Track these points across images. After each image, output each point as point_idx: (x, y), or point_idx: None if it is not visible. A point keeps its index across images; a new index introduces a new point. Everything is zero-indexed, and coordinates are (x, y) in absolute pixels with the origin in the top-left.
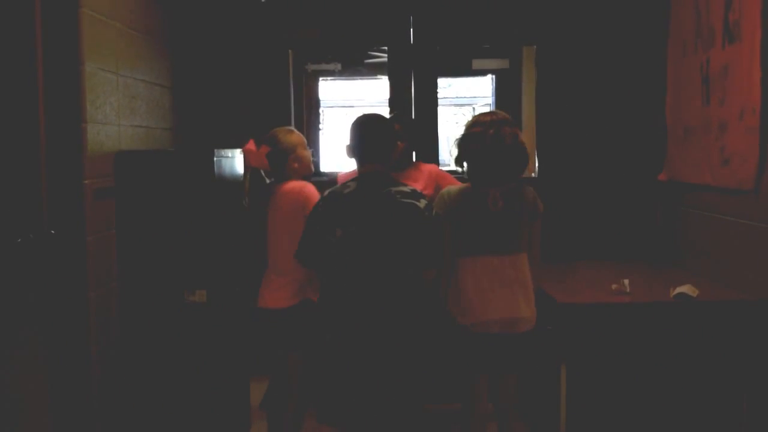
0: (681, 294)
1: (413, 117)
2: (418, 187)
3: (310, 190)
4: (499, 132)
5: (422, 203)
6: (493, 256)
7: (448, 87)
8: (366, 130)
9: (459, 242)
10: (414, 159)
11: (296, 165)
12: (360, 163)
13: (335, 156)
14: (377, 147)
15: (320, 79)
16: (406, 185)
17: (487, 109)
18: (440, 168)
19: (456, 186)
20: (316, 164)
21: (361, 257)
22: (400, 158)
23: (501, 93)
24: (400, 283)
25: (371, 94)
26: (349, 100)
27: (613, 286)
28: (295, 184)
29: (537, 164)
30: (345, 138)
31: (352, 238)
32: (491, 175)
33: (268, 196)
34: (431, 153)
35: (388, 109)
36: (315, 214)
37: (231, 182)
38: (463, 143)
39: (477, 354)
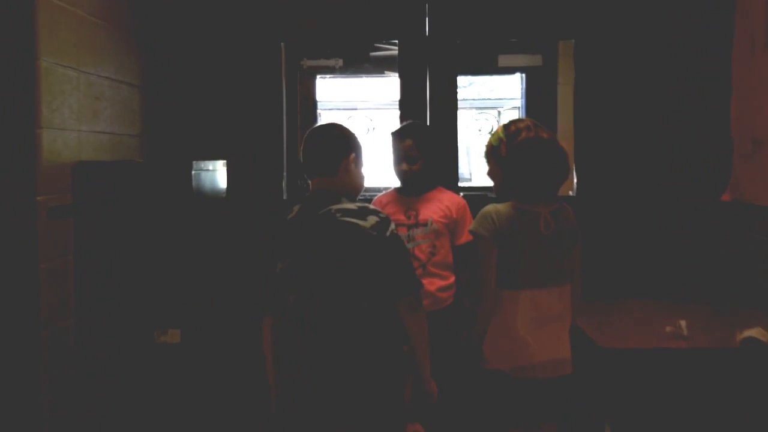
0: (749, 338)
1: (428, 122)
2: (435, 215)
3: None
4: (553, 139)
5: (369, 221)
6: (543, 289)
7: (468, 87)
8: (308, 140)
9: (504, 271)
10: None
11: None
12: (309, 179)
13: None
14: (317, 158)
15: (318, 76)
16: (353, 202)
17: (515, 114)
18: (458, 192)
19: (501, 204)
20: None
21: (302, 293)
22: (414, 179)
23: (532, 95)
24: (351, 322)
25: (378, 95)
26: (351, 102)
27: (668, 329)
28: None
29: (575, 180)
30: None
31: (290, 272)
32: (543, 191)
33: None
34: (448, 166)
35: (398, 113)
36: (265, 248)
37: (212, 200)
38: (513, 152)
39: (515, 403)
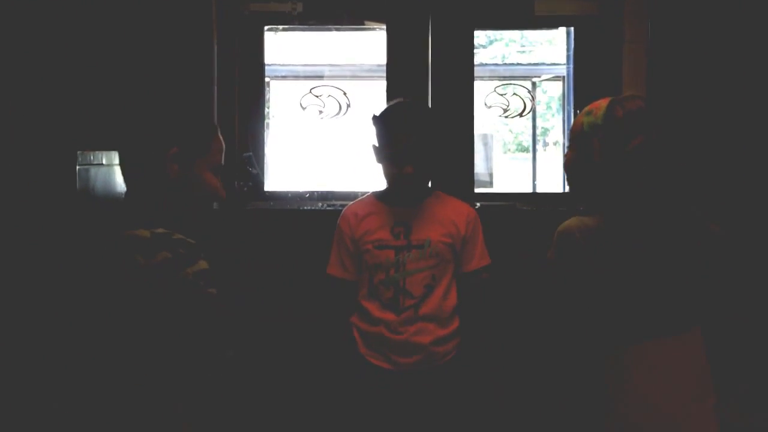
0: None
1: (430, 99)
2: (435, 233)
3: None
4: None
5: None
6: (663, 338)
7: (488, 46)
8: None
9: (606, 319)
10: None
11: None
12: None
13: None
14: None
15: (265, 28)
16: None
17: (557, 87)
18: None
19: (586, 217)
20: (258, 179)
21: None
22: (408, 183)
23: (583, 58)
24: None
25: (355, 56)
26: (316, 66)
27: None
28: None
29: None
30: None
31: None
32: (651, 198)
33: None
34: (462, 163)
35: (384, 85)
36: None
37: (105, 203)
38: (610, 141)
39: None
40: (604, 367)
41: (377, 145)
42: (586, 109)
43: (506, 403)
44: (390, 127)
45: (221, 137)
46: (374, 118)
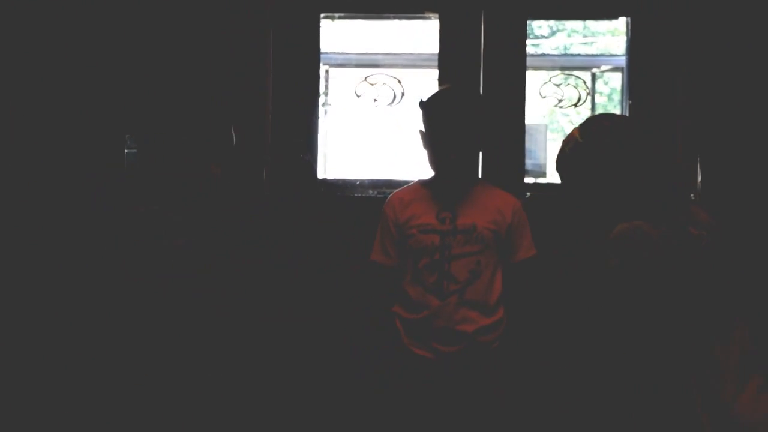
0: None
1: (481, 87)
2: (481, 219)
3: None
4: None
5: None
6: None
7: (550, 37)
8: None
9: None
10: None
11: None
12: None
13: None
14: None
15: (321, 15)
16: None
17: (618, 77)
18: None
19: (637, 222)
20: (311, 167)
21: None
22: (452, 170)
23: (640, 49)
24: None
25: (411, 44)
26: (371, 55)
27: None
28: None
29: (699, 179)
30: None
31: None
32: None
33: None
34: (513, 153)
35: (437, 73)
36: None
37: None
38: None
39: None
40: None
41: (423, 130)
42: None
43: (545, 397)
44: (435, 113)
45: None
46: (421, 103)
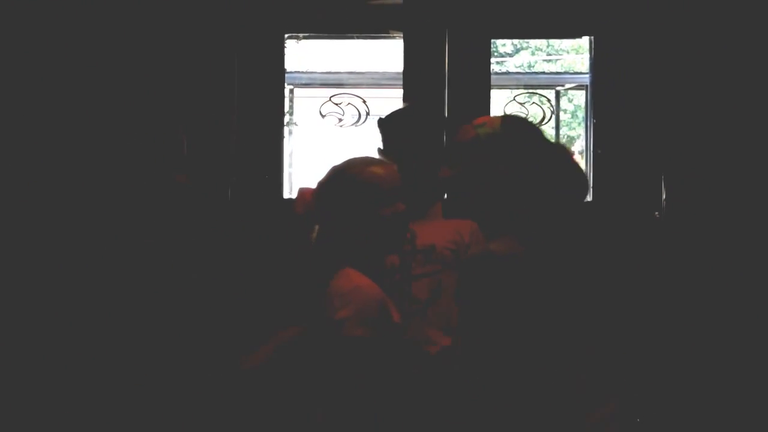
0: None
1: (446, 106)
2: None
3: None
4: None
5: None
6: None
7: (514, 55)
8: None
9: None
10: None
11: None
12: None
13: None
14: None
15: (286, 36)
16: None
17: (582, 94)
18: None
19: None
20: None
21: None
22: (420, 194)
23: (603, 67)
24: None
25: (375, 64)
26: (336, 75)
27: None
28: None
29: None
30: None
31: None
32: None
33: None
34: None
35: (401, 92)
36: None
37: None
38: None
39: None
40: None
41: (382, 148)
42: (475, 122)
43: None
44: (392, 132)
45: None
46: (379, 121)
